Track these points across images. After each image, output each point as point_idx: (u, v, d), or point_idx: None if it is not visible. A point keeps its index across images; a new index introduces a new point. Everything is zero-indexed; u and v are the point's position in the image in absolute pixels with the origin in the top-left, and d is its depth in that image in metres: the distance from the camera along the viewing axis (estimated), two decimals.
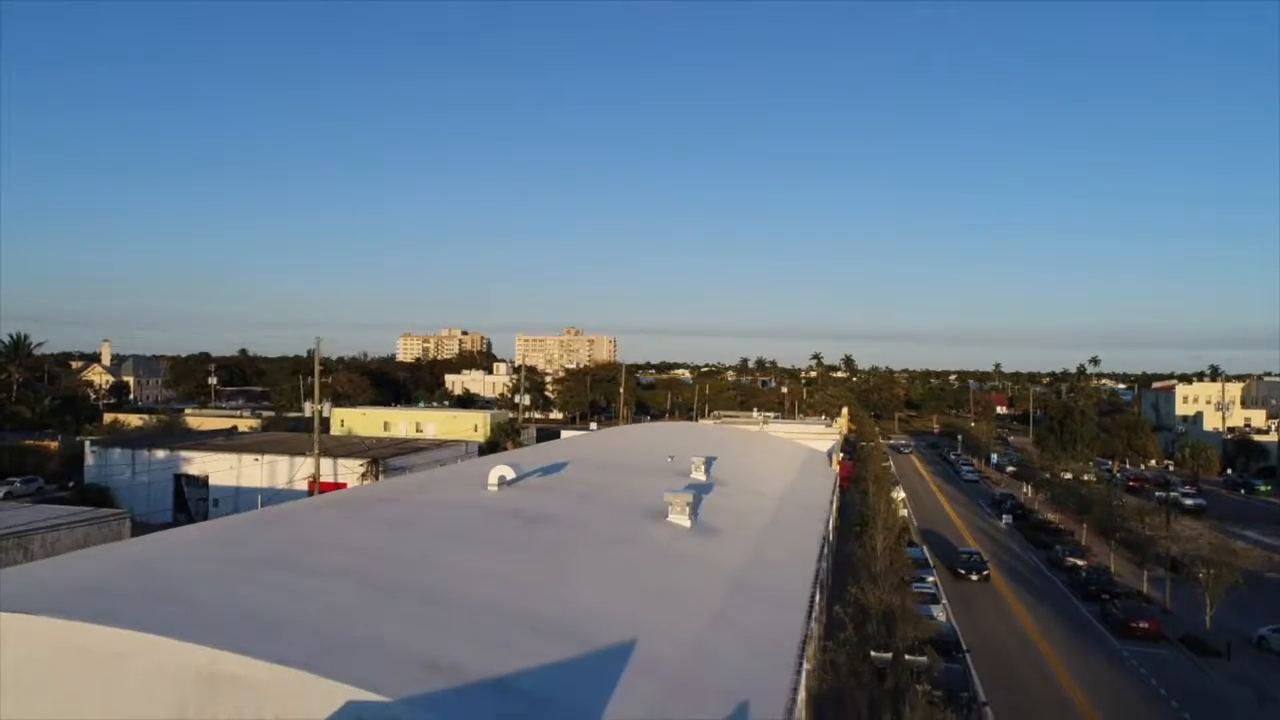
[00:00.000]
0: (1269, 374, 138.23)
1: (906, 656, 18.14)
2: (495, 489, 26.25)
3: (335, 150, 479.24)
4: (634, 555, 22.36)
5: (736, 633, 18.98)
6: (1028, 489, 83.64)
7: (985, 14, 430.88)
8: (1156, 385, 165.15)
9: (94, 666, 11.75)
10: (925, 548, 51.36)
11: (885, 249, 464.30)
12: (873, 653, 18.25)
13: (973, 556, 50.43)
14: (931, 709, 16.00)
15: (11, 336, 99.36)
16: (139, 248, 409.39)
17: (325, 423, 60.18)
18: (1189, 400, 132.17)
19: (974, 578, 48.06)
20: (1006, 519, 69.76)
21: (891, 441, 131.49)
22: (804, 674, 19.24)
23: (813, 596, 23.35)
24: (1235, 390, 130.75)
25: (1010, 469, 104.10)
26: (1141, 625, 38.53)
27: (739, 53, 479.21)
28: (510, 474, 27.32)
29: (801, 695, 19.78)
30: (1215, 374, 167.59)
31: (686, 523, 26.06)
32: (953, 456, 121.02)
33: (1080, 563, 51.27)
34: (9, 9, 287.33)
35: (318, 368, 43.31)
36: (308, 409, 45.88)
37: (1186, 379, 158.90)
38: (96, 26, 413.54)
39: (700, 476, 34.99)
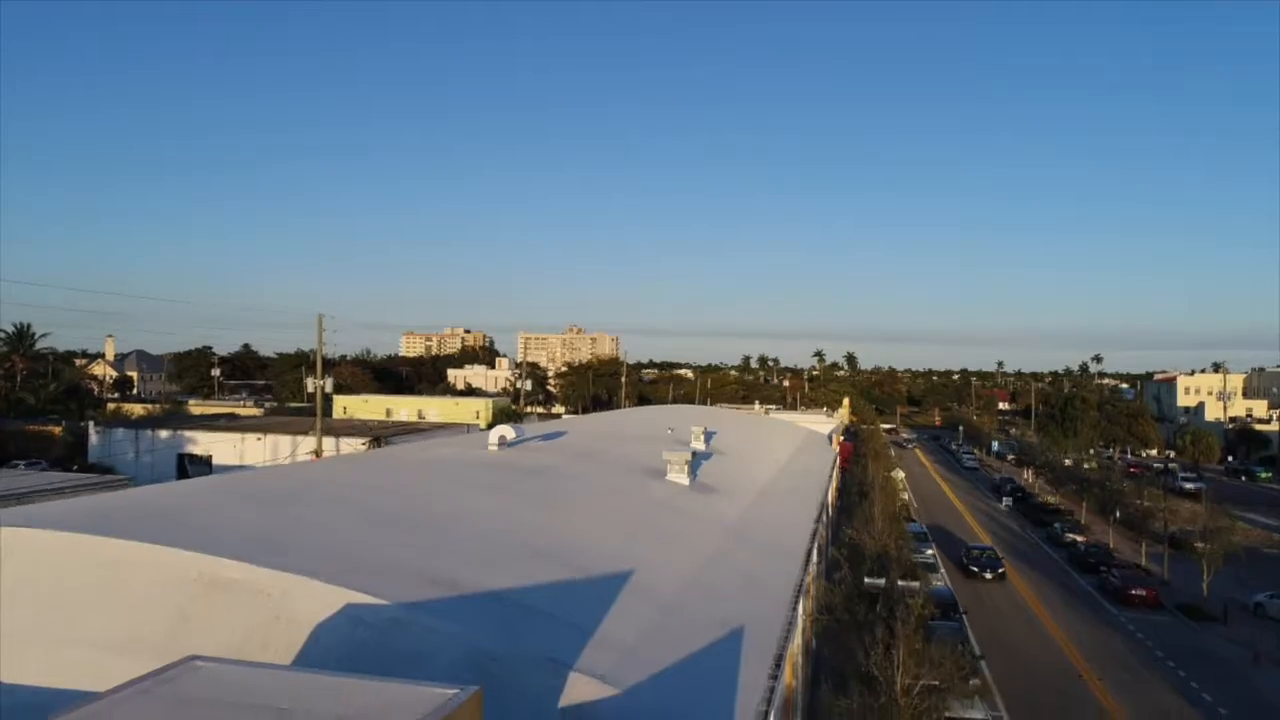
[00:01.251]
0: (1267, 369, 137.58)
1: (900, 582, 18.30)
2: (496, 448, 26.40)
3: (338, 150, 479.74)
4: (632, 505, 22.53)
5: (734, 573, 19.14)
6: (1028, 474, 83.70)
7: (987, 13, 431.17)
8: (1159, 377, 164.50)
9: (95, 574, 11.90)
10: (924, 524, 51.44)
11: (887, 249, 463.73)
12: (866, 579, 18.42)
13: (985, 552, 45.56)
14: (926, 638, 16.13)
15: (15, 326, 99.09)
16: (142, 247, 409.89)
17: (328, 400, 60.40)
18: (1190, 391, 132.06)
19: (988, 576, 42.83)
20: (1007, 501, 69.87)
21: (893, 438, 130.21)
22: (800, 616, 19.41)
23: (809, 550, 23.50)
24: (1237, 381, 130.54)
25: (1011, 457, 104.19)
26: (1139, 593, 38.68)
27: (738, 52, 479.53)
28: (511, 434, 27.46)
29: (798, 641, 19.98)
30: (1217, 368, 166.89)
31: (685, 481, 26.22)
32: (954, 446, 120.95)
33: (1079, 539, 51.40)
34: (10, 9, 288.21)
35: (320, 338, 43.63)
36: (309, 385, 46.07)
37: (1189, 374, 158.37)
38: (97, 24, 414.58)
39: (700, 445, 35.08)
